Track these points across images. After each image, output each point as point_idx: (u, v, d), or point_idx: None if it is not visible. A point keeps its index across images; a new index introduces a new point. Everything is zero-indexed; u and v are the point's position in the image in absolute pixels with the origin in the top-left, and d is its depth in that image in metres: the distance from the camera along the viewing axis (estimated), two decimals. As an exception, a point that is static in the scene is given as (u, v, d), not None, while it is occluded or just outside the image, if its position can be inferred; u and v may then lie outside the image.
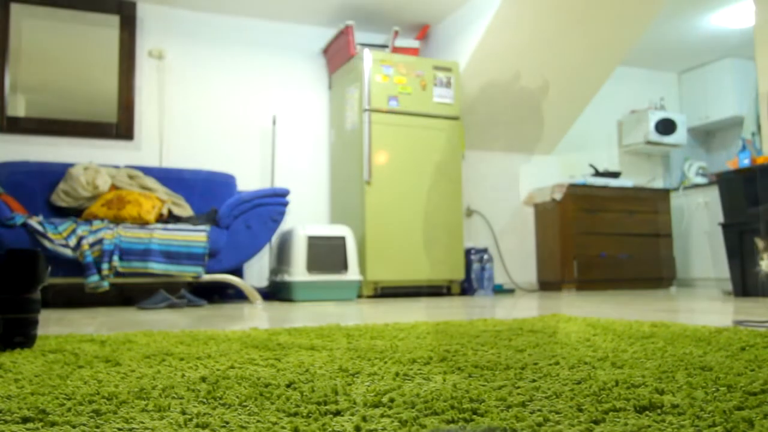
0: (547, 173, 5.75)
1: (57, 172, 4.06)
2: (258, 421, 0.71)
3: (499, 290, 5.03)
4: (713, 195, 5.58)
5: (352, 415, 0.74)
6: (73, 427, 0.70)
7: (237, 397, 0.84)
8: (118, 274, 3.52)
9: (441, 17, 5.11)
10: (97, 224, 3.57)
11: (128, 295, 4.20)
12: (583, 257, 5.21)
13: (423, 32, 5.24)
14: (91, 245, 3.47)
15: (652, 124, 5.89)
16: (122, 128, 4.52)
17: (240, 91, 4.87)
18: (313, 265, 4.06)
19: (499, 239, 5.45)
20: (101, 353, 1.30)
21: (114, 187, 4.03)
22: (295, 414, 0.75)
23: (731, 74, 5.99)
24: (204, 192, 4.37)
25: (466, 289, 4.73)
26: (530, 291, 5.33)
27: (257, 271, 4.73)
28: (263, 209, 3.91)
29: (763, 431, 0.65)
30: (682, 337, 1.49)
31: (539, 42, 4.71)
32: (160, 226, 3.69)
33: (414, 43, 4.91)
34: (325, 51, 5.09)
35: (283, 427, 0.69)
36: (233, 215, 3.83)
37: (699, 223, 5.80)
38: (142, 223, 3.73)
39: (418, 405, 0.78)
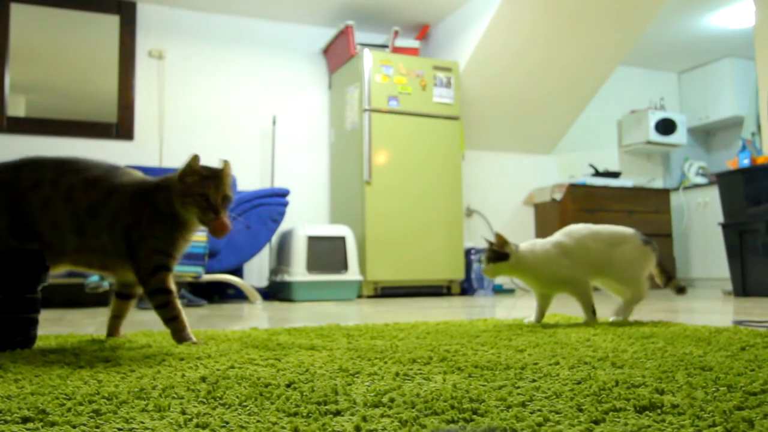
0: (547, 173, 5.75)
1: (57, 172, 4.06)
2: (258, 421, 0.71)
3: (499, 290, 5.03)
4: (713, 195, 5.58)
5: (352, 415, 0.74)
6: (73, 427, 0.70)
7: (237, 397, 0.84)
8: (118, 274, 3.51)
9: (441, 17, 5.11)
10: (97, 224, 3.57)
11: (128, 295, 4.20)
12: (583, 257, 5.20)
13: (423, 32, 5.24)
14: (91, 245, 3.46)
15: (652, 124, 5.89)
16: (122, 128, 4.52)
17: (240, 91, 4.87)
18: (313, 265, 4.06)
19: (499, 239, 5.45)
20: (101, 353, 1.30)
21: (114, 187, 4.03)
22: (295, 414, 0.75)
23: (731, 74, 5.99)
24: (204, 192, 4.37)
25: (466, 289, 4.73)
26: (530, 291, 5.33)
27: (257, 271, 4.73)
28: (263, 209, 3.91)
29: (763, 431, 0.65)
30: (682, 337, 1.49)
31: (539, 42, 4.70)
32: (160, 226, 3.69)
33: (414, 43, 4.91)
34: (325, 51, 5.09)
35: (283, 427, 0.69)
36: (233, 215, 3.82)
37: (699, 223, 5.80)
38: (142, 223, 3.73)
39: (418, 405, 0.78)
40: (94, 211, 1.45)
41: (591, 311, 1.95)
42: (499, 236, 1.89)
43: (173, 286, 1.47)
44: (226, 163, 1.48)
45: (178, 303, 1.47)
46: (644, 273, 1.95)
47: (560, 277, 1.90)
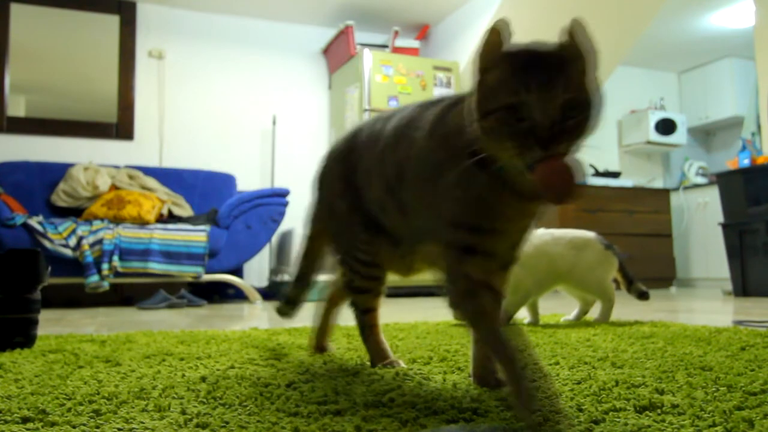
0: (547, 173, 5.74)
1: (57, 172, 4.06)
2: (258, 421, 0.71)
3: (499, 290, 5.03)
4: (713, 195, 5.57)
5: (352, 415, 0.74)
6: (73, 427, 0.70)
7: (237, 397, 0.84)
8: (118, 274, 3.51)
9: (441, 17, 5.11)
10: (97, 224, 3.57)
11: (128, 295, 4.20)
12: (583, 257, 5.20)
13: (423, 32, 5.24)
14: (91, 245, 3.47)
15: (652, 124, 5.89)
16: (122, 128, 4.52)
17: (240, 91, 4.87)
18: (313, 265, 4.06)
19: (499, 239, 5.45)
20: (101, 353, 1.30)
21: (114, 187, 4.03)
22: (295, 414, 0.75)
23: (731, 74, 5.99)
24: (204, 192, 4.37)
25: (466, 289, 4.72)
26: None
27: (257, 271, 4.72)
28: (263, 209, 3.91)
29: (763, 431, 0.65)
30: (682, 337, 1.48)
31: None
32: (160, 226, 3.69)
33: (414, 43, 4.91)
34: (325, 51, 5.09)
35: (283, 427, 0.68)
36: (233, 215, 3.83)
37: (699, 223, 5.80)
38: (142, 223, 3.73)
39: (418, 405, 0.78)
40: (402, 173, 0.93)
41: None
42: None
43: (494, 287, 0.83)
44: (572, 30, 0.71)
45: (497, 328, 0.76)
46: (609, 277, 1.93)
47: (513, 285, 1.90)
